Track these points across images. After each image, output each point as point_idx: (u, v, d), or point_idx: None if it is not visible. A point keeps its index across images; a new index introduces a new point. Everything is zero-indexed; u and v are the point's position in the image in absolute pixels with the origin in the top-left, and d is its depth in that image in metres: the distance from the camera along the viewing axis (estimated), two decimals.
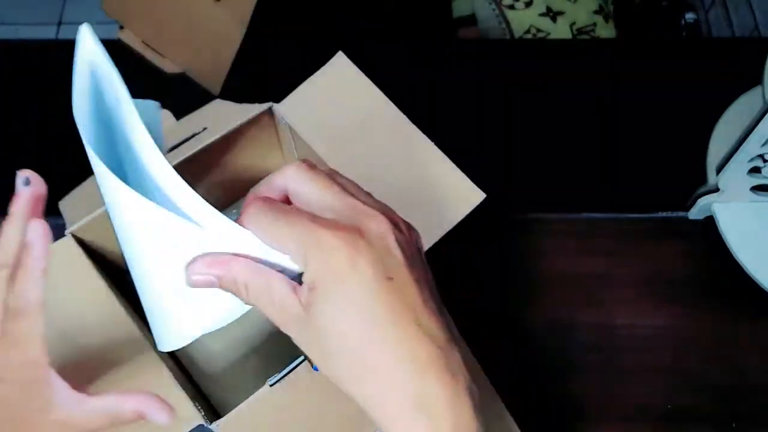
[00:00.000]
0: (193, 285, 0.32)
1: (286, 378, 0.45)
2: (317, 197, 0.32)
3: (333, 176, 0.34)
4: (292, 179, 0.33)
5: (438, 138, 0.52)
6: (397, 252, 0.31)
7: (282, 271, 0.32)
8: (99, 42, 0.34)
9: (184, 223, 0.32)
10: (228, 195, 0.59)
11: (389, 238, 0.31)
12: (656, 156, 0.74)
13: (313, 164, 0.33)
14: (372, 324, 0.30)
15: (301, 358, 0.46)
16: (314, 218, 0.31)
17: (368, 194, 0.34)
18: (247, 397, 0.45)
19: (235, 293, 0.32)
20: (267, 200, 0.32)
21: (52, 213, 0.37)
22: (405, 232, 0.33)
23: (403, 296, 0.30)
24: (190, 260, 0.32)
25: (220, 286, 0.32)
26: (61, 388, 0.36)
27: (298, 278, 0.32)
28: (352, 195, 0.32)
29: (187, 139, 0.53)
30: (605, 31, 1.16)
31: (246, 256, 0.32)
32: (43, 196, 0.35)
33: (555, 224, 0.69)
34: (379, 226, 0.31)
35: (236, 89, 0.78)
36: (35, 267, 0.34)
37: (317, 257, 0.30)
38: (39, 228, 0.34)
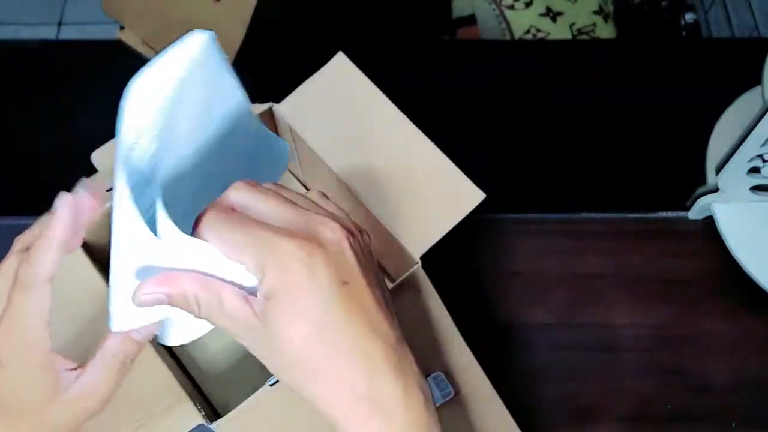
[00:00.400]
0: (141, 305, 0.32)
1: None
2: (267, 210, 0.32)
3: (279, 190, 0.34)
4: (238, 198, 0.33)
5: (438, 138, 0.52)
6: (351, 257, 0.32)
7: (234, 284, 0.32)
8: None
9: (142, 230, 0.31)
10: None
11: (344, 244, 0.32)
12: (656, 156, 0.74)
13: (254, 183, 0.34)
14: (328, 329, 0.30)
15: None
16: (269, 227, 0.31)
17: (316, 200, 0.35)
18: (247, 397, 0.45)
19: (186, 309, 0.32)
20: (223, 209, 0.32)
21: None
22: (358, 237, 0.33)
23: (358, 300, 0.31)
24: (138, 284, 0.32)
25: (170, 303, 0.32)
26: (64, 374, 0.36)
27: (250, 289, 0.32)
28: (300, 205, 0.33)
29: None
30: (605, 31, 1.16)
31: (196, 271, 0.32)
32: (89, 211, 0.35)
33: (555, 224, 0.69)
34: (333, 232, 0.32)
35: None
36: (51, 237, 0.33)
37: (274, 266, 0.30)
38: (66, 199, 0.34)
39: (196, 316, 0.33)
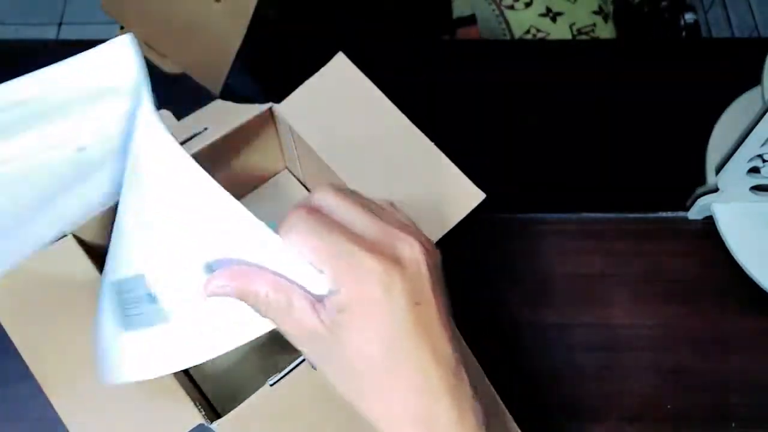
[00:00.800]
0: (211, 295, 0.32)
1: (286, 378, 0.45)
2: (351, 218, 0.32)
3: (361, 199, 0.34)
4: (324, 200, 0.33)
5: (438, 138, 0.52)
6: (426, 278, 0.32)
7: (300, 286, 0.32)
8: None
9: (236, 217, 0.32)
10: None
11: (420, 263, 0.32)
12: (656, 156, 0.74)
13: (340, 187, 0.34)
14: (395, 348, 0.31)
15: (301, 358, 0.46)
16: (354, 239, 0.31)
17: (393, 211, 0.35)
18: (247, 397, 0.45)
19: (253, 305, 0.32)
20: (312, 211, 0.32)
21: None
22: (432, 254, 0.33)
23: (427, 322, 0.32)
24: (211, 275, 0.32)
25: (239, 298, 0.32)
26: None
27: (315, 296, 0.32)
28: (381, 218, 0.33)
29: (187, 140, 0.53)
30: (605, 31, 1.16)
31: (267, 269, 0.32)
32: None
33: (555, 224, 0.69)
34: (412, 251, 0.32)
35: (236, 89, 0.78)
36: None
37: (352, 279, 0.31)
38: None
39: (261, 315, 0.33)
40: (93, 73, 0.36)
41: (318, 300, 0.32)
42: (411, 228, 0.34)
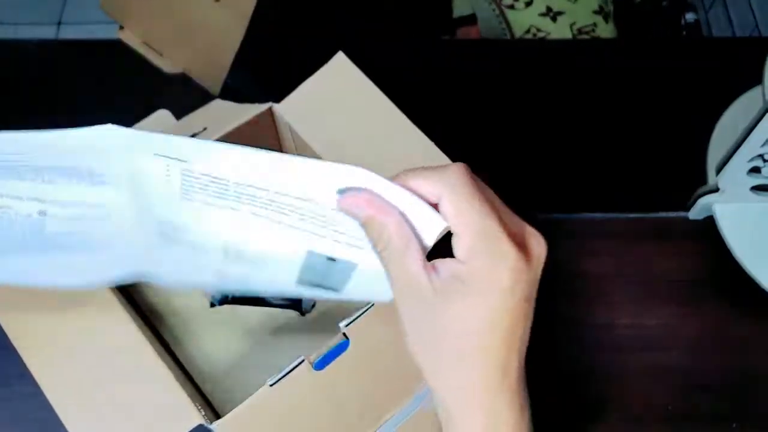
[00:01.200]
0: (341, 207, 0.33)
1: (286, 378, 0.45)
2: (494, 200, 0.33)
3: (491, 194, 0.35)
4: (452, 188, 0.33)
5: (438, 138, 0.52)
6: (539, 276, 0.33)
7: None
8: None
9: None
10: None
11: (542, 263, 0.33)
12: (656, 156, 0.74)
13: (472, 174, 0.33)
14: (492, 333, 0.32)
15: (301, 358, 0.46)
16: (501, 222, 0.31)
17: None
18: (247, 397, 0.45)
19: (372, 237, 0.33)
20: (474, 177, 0.33)
21: None
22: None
23: (527, 318, 0.33)
24: (349, 191, 0.33)
25: (364, 223, 0.33)
26: None
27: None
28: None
29: None
30: (606, 30, 1.16)
31: (397, 209, 0.33)
32: None
33: (555, 224, 0.69)
34: (540, 248, 0.33)
35: (236, 89, 0.78)
36: None
37: (486, 257, 0.31)
38: None
39: (375, 250, 0.33)
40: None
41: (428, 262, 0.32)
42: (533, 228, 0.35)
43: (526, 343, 0.33)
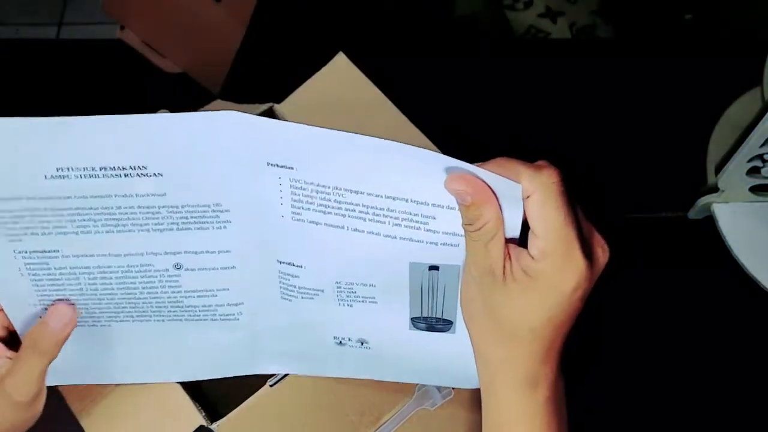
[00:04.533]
0: (449, 186, 0.34)
1: (286, 378, 0.45)
2: (573, 207, 0.35)
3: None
4: (543, 190, 0.35)
5: (438, 138, 0.52)
6: (594, 281, 0.36)
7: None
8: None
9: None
10: None
11: (602, 269, 0.36)
12: (656, 156, 0.73)
13: (562, 181, 0.36)
14: (547, 329, 0.35)
15: None
16: (577, 230, 0.34)
17: None
18: (247, 397, 0.45)
19: (468, 219, 0.35)
20: (563, 184, 0.35)
21: None
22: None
23: (575, 316, 0.36)
24: (457, 173, 0.34)
25: (466, 204, 0.34)
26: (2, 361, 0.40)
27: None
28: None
29: None
30: (605, 31, 1.16)
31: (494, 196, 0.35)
32: None
33: None
34: (604, 257, 0.37)
35: (236, 89, 0.78)
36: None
37: (557, 264, 0.34)
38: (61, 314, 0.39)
39: (466, 228, 0.35)
40: None
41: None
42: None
43: (569, 330, 0.37)
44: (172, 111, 0.57)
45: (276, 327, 0.43)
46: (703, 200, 0.66)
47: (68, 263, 0.37)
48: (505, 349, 0.36)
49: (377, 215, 0.36)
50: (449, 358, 0.43)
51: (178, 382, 0.46)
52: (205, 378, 0.46)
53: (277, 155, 0.35)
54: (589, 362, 0.63)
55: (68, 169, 0.34)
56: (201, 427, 0.45)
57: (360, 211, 0.36)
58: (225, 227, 0.38)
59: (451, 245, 0.37)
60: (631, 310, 0.66)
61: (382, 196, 0.35)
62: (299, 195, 0.36)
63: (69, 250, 0.37)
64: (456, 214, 0.35)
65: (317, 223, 0.37)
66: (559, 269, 0.34)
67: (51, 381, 0.40)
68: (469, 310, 0.37)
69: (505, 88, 0.79)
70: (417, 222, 0.36)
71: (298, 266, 0.40)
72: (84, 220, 0.36)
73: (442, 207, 0.35)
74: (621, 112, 0.77)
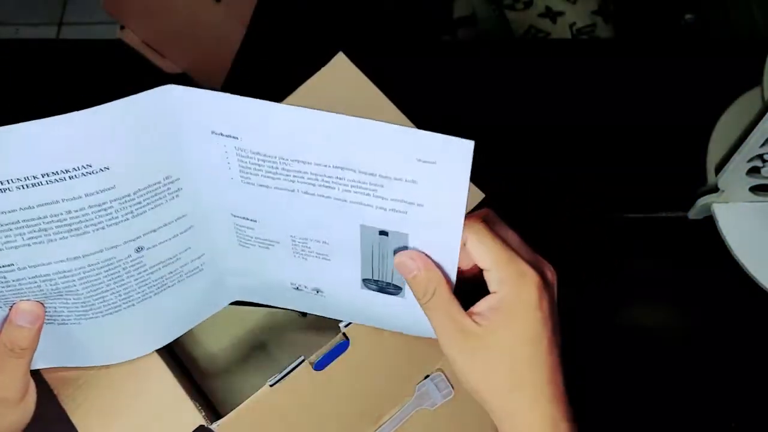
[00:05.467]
0: (397, 263, 0.38)
1: (286, 378, 0.45)
2: (510, 238, 0.39)
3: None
4: (488, 217, 0.39)
5: None
6: (556, 295, 0.39)
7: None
8: None
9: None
10: None
11: (555, 285, 0.39)
12: (656, 156, 0.73)
13: (490, 217, 0.39)
14: (533, 350, 0.37)
15: (301, 358, 0.46)
16: (521, 255, 0.37)
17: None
18: (247, 397, 0.45)
19: (419, 291, 0.38)
20: (481, 221, 0.38)
21: None
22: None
23: (555, 332, 0.38)
24: (404, 250, 0.38)
25: (413, 278, 0.38)
26: None
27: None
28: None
29: None
30: (605, 31, 1.16)
31: (438, 263, 0.38)
32: None
33: (555, 224, 0.69)
34: (553, 276, 0.39)
35: (236, 89, 0.78)
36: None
37: (514, 286, 0.36)
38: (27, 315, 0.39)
39: (419, 302, 0.38)
40: None
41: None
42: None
43: (560, 351, 0.38)
44: None
45: (236, 268, 0.45)
46: (703, 200, 0.66)
47: (25, 274, 0.37)
48: (519, 397, 0.37)
49: (326, 182, 0.36)
50: (400, 316, 0.44)
51: (177, 383, 0.46)
52: (180, 334, 0.46)
53: (220, 125, 0.35)
54: (589, 362, 0.63)
55: (8, 181, 0.32)
56: (201, 427, 0.45)
57: (309, 178, 0.36)
58: (178, 195, 0.38)
59: (400, 212, 0.37)
60: (631, 310, 0.66)
61: (329, 166, 0.35)
62: (246, 162, 0.36)
63: (24, 262, 0.36)
64: (404, 185, 0.36)
65: (267, 187, 0.37)
66: (518, 288, 0.36)
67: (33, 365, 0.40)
68: (471, 385, 0.38)
69: (505, 88, 0.79)
70: (366, 189, 0.36)
71: (252, 220, 0.40)
72: (34, 231, 0.34)
73: (390, 178, 0.35)
74: (621, 112, 0.77)
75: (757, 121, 0.56)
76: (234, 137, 0.35)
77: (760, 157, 0.61)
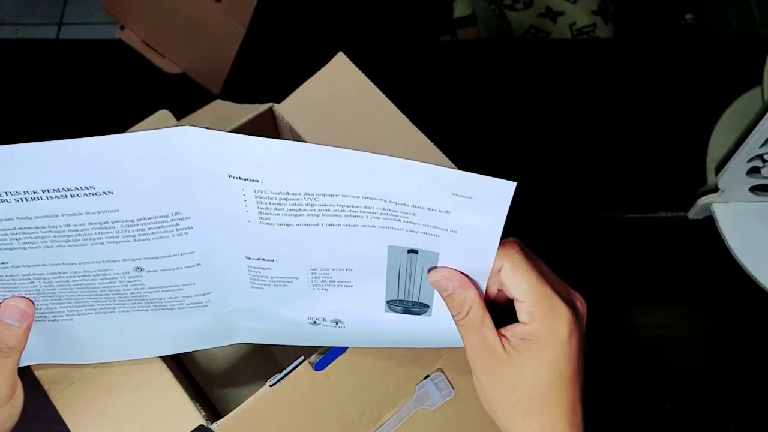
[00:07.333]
0: (432, 281, 0.38)
1: (286, 378, 0.45)
2: (543, 269, 0.38)
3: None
4: (524, 249, 0.38)
5: (438, 138, 0.52)
6: (584, 328, 0.39)
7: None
8: None
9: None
10: None
11: (584, 317, 0.39)
12: (656, 156, 0.74)
13: (524, 247, 0.39)
14: (561, 382, 0.37)
15: (301, 358, 0.46)
16: (554, 287, 0.37)
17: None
18: (247, 397, 0.45)
19: (454, 308, 0.38)
20: (522, 249, 0.38)
21: None
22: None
23: (580, 365, 0.38)
24: (439, 267, 0.38)
25: (448, 296, 0.38)
26: None
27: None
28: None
29: None
30: (605, 31, 1.16)
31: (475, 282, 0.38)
32: None
33: (555, 224, 0.69)
34: (582, 307, 0.39)
35: (236, 89, 0.78)
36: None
37: (546, 319, 0.36)
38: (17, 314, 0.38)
39: (454, 319, 0.39)
40: None
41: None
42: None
43: (582, 386, 0.39)
44: (172, 111, 0.57)
45: (247, 309, 0.43)
46: (703, 200, 0.66)
47: (19, 272, 0.36)
48: (536, 422, 0.37)
49: (354, 212, 0.35)
50: (423, 333, 0.43)
51: (177, 383, 0.46)
52: (177, 352, 0.46)
53: (239, 168, 0.34)
54: (589, 362, 0.63)
55: (7, 193, 0.32)
56: (201, 427, 0.45)
57: (335, 210, 0.35)
58: (186, 233, 0.37)
59: (432, 235, 0.36)
60: (631, 310, 0.66)
61: (359, 197, 0.34)
62: (266, 203, 0.35)
63: (19, 261, 0.36)
64: (437, 214, 0.35)
65: (288, 225, 0.36)
66: (549, 322, 0.36)
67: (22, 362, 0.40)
68: (490, 404, 0.39)
69: (505, 88, 0.79)
70: (397, 216, 0.35)
71: (269, 260, 0.39)
72: (30, 237, 0.34)
73: (423, 208, 0.34)
74: (621, 112, 0.77)
75: (757, 121, 0.56)
76: (254, 180, 0.34)
77: (760, 157, 0.61)
